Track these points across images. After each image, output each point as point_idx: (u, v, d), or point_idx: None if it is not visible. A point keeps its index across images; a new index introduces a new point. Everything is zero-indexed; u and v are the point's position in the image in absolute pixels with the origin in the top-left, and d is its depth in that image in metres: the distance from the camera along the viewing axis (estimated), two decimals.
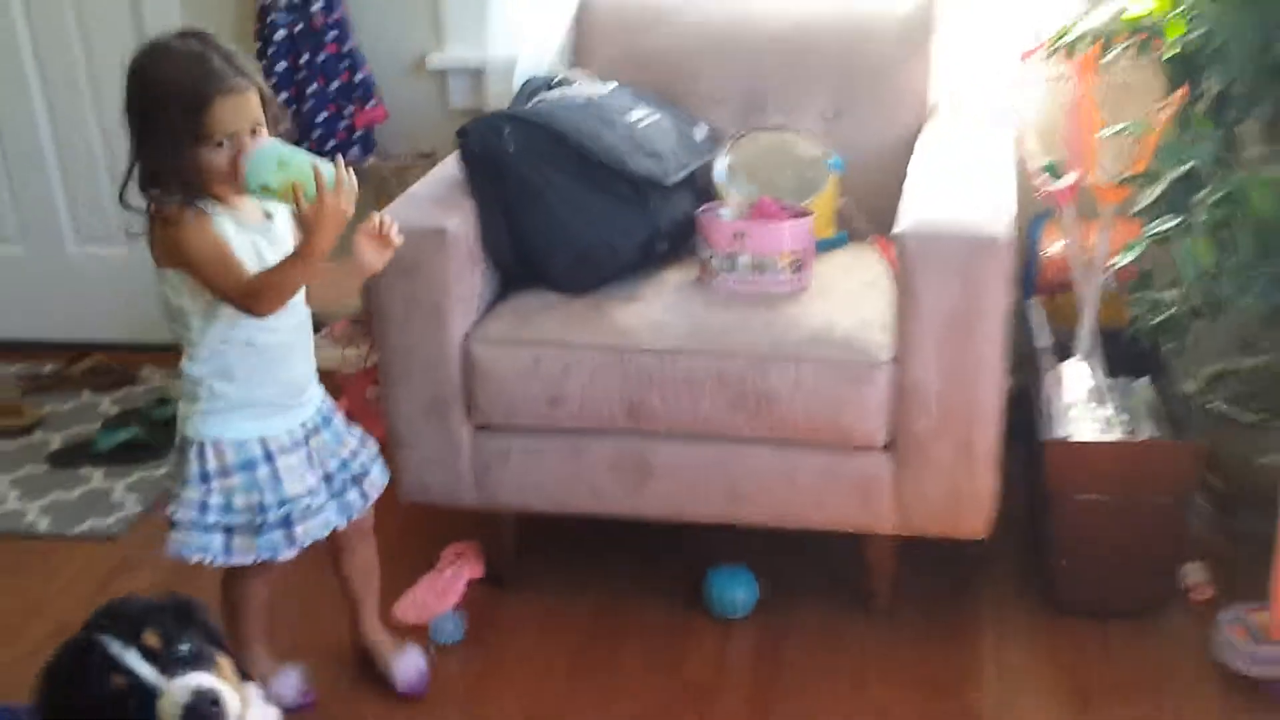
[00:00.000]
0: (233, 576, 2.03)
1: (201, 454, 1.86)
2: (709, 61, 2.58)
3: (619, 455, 2.19)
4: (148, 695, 1.34)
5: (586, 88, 2.39)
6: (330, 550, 2.07)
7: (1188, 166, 2.14)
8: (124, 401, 3.16)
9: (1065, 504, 2.17)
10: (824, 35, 2.56)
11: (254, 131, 1.77)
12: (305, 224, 1.78)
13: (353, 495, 2.00)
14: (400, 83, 3.04)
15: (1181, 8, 2.08)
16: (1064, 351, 2.43)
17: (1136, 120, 2.20)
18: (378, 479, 2.04)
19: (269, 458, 1.88)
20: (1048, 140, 2.51)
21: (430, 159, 2.83)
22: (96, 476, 2.85)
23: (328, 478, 1.96)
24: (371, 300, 2.26)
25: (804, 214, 2.24)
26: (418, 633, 2.28)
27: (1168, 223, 2.06)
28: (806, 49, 2.55)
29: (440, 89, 3.04)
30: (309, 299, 1.91)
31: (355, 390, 2.92)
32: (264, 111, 1.80)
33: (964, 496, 2.11)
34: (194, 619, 1.44)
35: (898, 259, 2.03)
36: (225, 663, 1.43)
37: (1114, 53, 2.22)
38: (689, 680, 2.14)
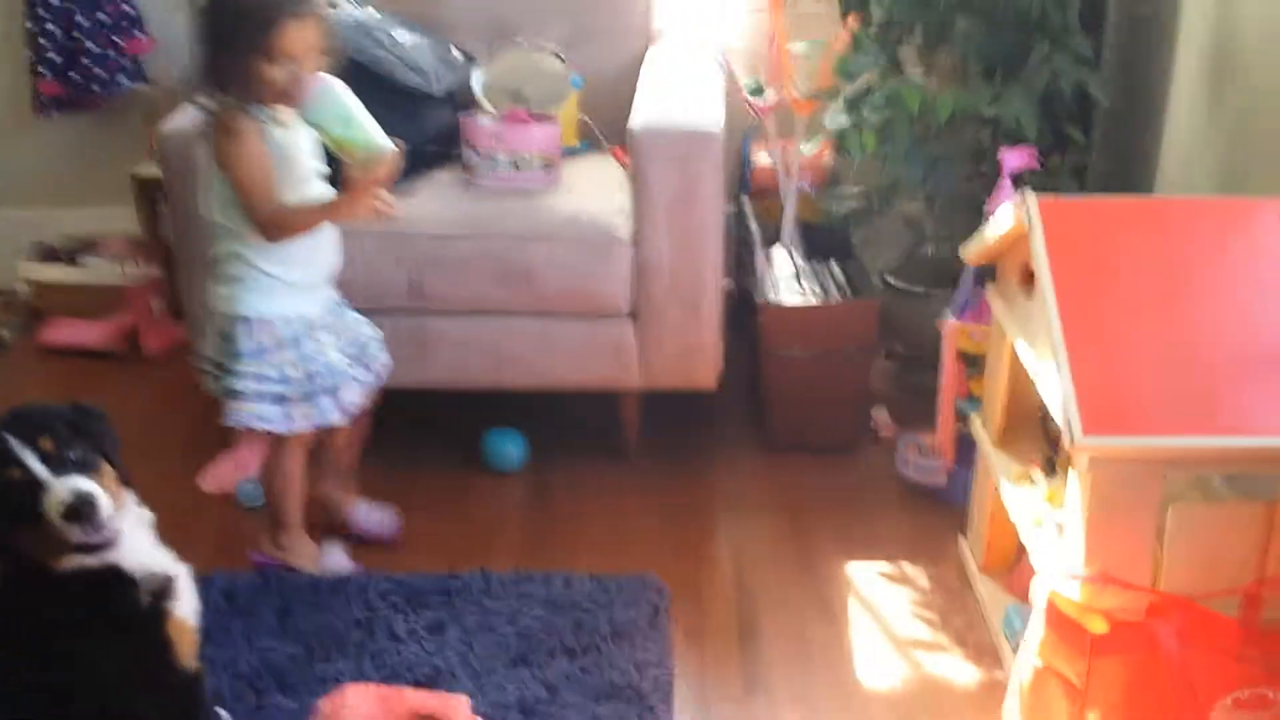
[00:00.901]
0: (274, 460, 2.22)
1: (250, 331, 2.07)
2: None
3: (401, 331, 2.51)
4: (37, 488, 1.55)
5: (352, 10, 2.68)
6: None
7: (861, 80, 2.63)
8: None
9: (774, 359, 2.63)
10: None
11: (315, 55, 1.99)
12: (344, 183, 2.00)
13: (367, 374, 2.22)
14: (167, 13, 3.22)
15: None
16: (774, 241, 2.90)
17: (815, 41, 2.67)
18: (385, 360, 2.28)
19: (312, 332, 2.11)
20: (752, 64, 2.97)
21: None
22: None
23: (349, 355, 2.19)
24: (164, 199, 2.49)
25: (550, 119, 2.61)
26: (224, 500, 2.54)
27: (839, 119, 2.53)
28: None
29: None
30: None
31: (140, 300, 3.12)
32: (325, 36, 2.01)
33: (694, 352, 2.54)
34: (90, 429, 1.63)
35: (630, 153, 2.43)
36: (108, 470, 1.63)
37: None
38: (472, 526, 2.49)
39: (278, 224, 2.02)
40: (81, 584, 1.63)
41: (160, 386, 3.00)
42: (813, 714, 2.01)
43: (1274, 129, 2.23)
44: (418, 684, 2.00)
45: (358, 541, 2.38)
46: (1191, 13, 2.61)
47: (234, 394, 2.09)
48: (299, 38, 1.97)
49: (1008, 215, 1.95)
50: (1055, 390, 1.72)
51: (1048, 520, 1.93)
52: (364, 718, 1.90)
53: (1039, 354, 1.87)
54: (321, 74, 2.01)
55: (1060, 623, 1.69)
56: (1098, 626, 1.66)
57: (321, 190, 2.13)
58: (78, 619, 1.62)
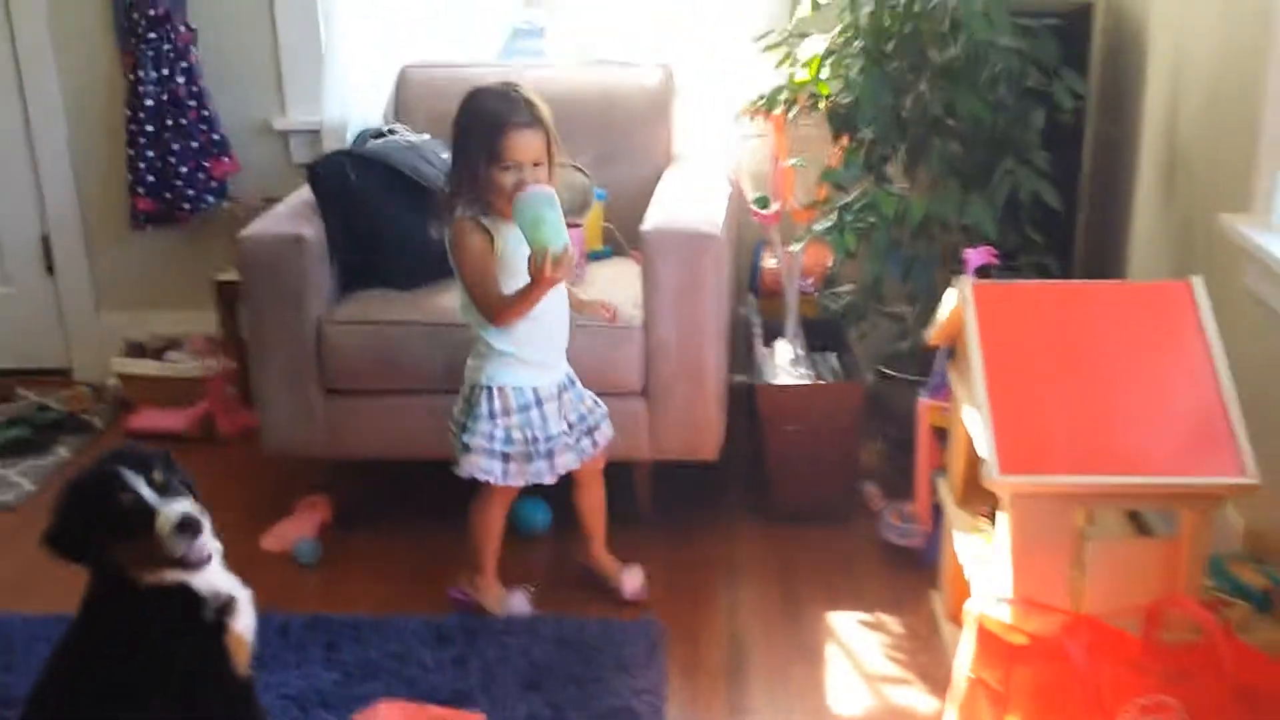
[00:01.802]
0: (481, 508, 2.55)
1: (490, 397, 2.43)
2: None
3: (437, 410, 2.85)
4: (148, 511, 1.86)
5: (408, 136, 3.11)
6: (572, 487, 2.65)
7: (856, 194, 2.98)
8: (6, 411, 3.65)
9: (772, 433, 2.95)
10: (590, 99, 3.33)
11: (536, 164, 2.32)
12: (530, 273, 2.29)
13: (585, 443, 2.54)
14: (250, 140, 3.69)
15: (825, 74, 2.93)
16: (778, 335, 3.24)
17: (804, 156, 3.05)
18: (606, 432, 2.59)
19: (538, 403, 2.44)
20: (758, 181, 3.34)
21: (275, 202, 3.43)
22: None
23: (571, 426, 2.51)
24: (242, 295, 2.88)
25: (577, 225, 2.99)
26: (283, 558, 2.88)
27: (825, 223, 2.89)
28: (576, 110, 3.31)
29: (283, 146, 3.72)
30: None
31: (216, 389, 3.51)
32: (548, 153, 2.35)
33: (699, 426, 2.85)
34: (178, 467, 1.97)
35: (641, 250, 2.79)
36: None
37: (795, 111, 3.05)
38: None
39: (497, 311, 2.37)
40: (160, 598, 1.96)
41: (232, 464, 3.37)
42: None
43: (1208, 227, 2.56)
44: (442, 704, 2.30)
45: (622, 603, 2.68)
46: (1149, 133, 2.97)
47: (466, 449, 2.44)
48: (522, 146, 2.31)
49: (952, 298, 2.27)
50: (981, 438, 2.01)
51: (988, 559, 2.21)
52: None
53: (974, 411, 2.17)
54: (534, 182, 2.32)
55: (987, 639, 1.96)
56: (1017, 640, 1.93)
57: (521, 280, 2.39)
58: (156, 627, 1.95)
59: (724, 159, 3.34)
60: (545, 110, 2.38)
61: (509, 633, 2.53)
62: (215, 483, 3.22)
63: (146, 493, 1.86)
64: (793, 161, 3.08)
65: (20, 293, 3.92)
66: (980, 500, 2.41)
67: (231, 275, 3.51)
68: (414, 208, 2.93)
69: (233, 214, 3.60)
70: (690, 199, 2.99)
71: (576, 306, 2.58)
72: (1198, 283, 2.12)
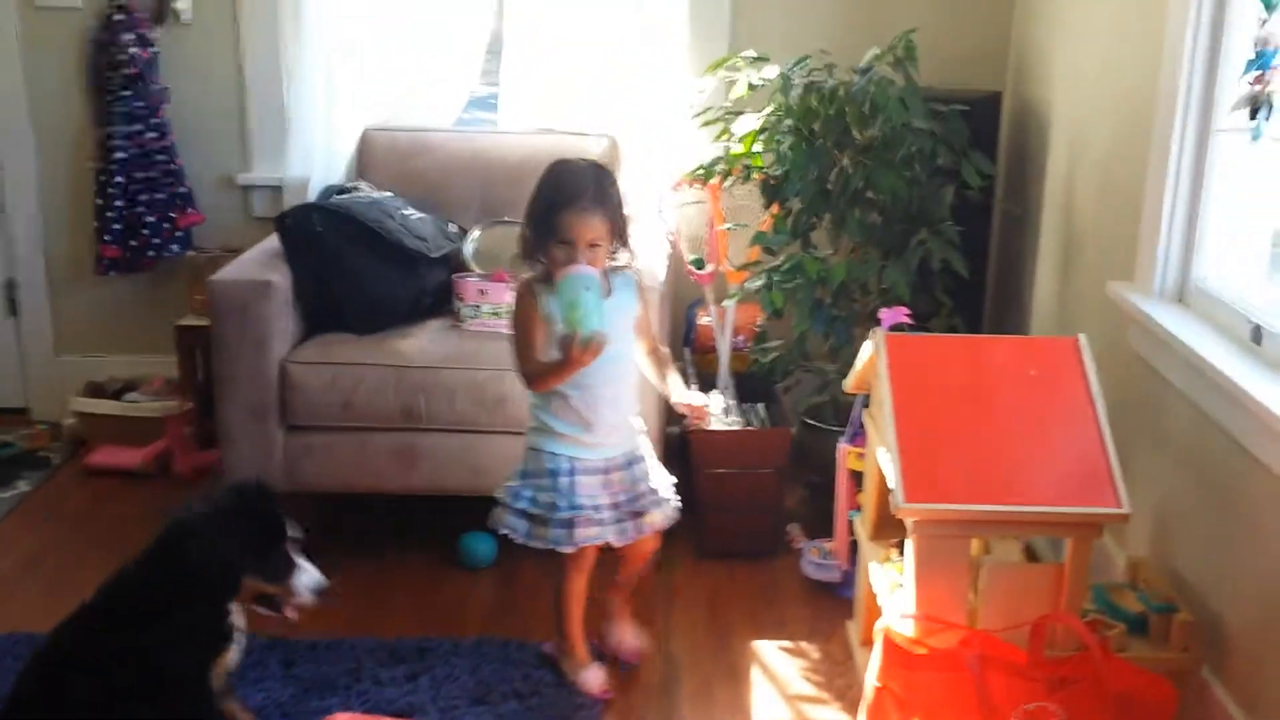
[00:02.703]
0: (559, 577, 2.59)
1: (528, 457, 2.53)
2: (457, 180, 3.57)
3: (394, 445, 3.06)
4: (292, 565, 2.21)
5: (370, 193, 3.33)
6: (617, 558, 2.69)
7: (784, 258, 3.24)
8: None
9: (702, 475, 3.18)
10: (540, 164, 3.53)
11: (592, 244, 2.39)
12: (561, 349, 2.36)
13: (629, 525, 2.54)
14: (213, 193, 3.89)
15: (759, 148, 3.21)
16: (712, 387, 3.48)
17: (737, 221, 3.32)
18: (655, 521, 2.58)
19: (571, 473, 2.48)
20: (694, 243, 3.60)
21: (236, 253, 3.59)
22: None
23: (615, 505, 2.53)
24: (211, 335, 3.06)
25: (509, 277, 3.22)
26: None
27: (756, 283, 3.15)
28: (527, 173, 3.45)
29: (245, 200, 3.92)
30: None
31: (175, 429, 3.67)
32: (610, 235, 2.43)
33: None
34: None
35: None
36: None
37: (730, 181, 3.33)
38: (446, 607, 2.98)
39: (529, 376, 2.47)
40: (222, 618, 2.27)
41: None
42: None
43: (1098, 294, 2.86)
44: (395, 715, 2.48)
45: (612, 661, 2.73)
46: (1049, 209, 3.28)
47: (498, 502, 2.54)
48: (577, 227, 2.39)
49: (867, 349, 2.53)
50: (890, 471, 2.26)
51: (898, 586, 2.44)
52: None
53: (884, 449, 2.42)
54: (580, 263, 2.38)
55: (892, 650, 2.19)
56: (919, 651, 2.17)
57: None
58: (206, 639, 2.23)
59: (664, 223, 3.59)
60: (617, 192, 2.48)
61: (457, 654, 2.71)
62: None
63: (298, 548, 2.25)
64: (727, 226, 3.35)
65: None
66: (891, 534, 2.65)
67: (191, 320, 3.69)
68: (376, 258, 3.16)
69: (194, 263, 3.78)
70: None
71: (668, 396, 2.65)
72: (1082, 339, 2.40)
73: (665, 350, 2.71)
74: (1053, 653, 2.19)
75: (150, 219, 3.78)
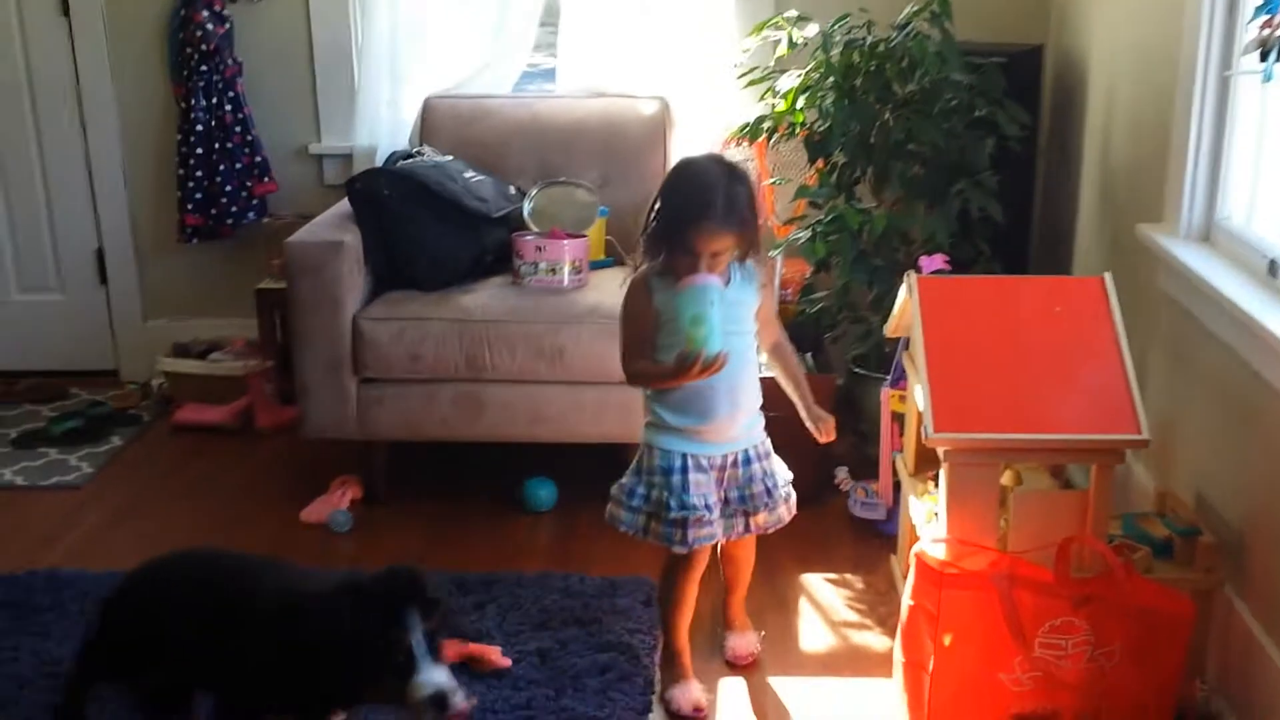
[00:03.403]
0: (663, 575, 2.52)
1: (642, 452, 2.45)
2: (515, 143, 3.74)
3: (459, 395, 3.25)
4: (410, 666, 1.83)
5: (434, 157, 3.51)
6: (722, 549, 2.61)
7: (828, 210, 3.37)
8: (61, 407, 4.03)
9: None
10: (594, 127, 3.74)
11: (715, 254, 2.30)
12: (678, 363, 2.28)
13: (739, 522, 2.49)
14: (287, 163, 4.10)
15: (802, 105, 3.34)
16: None
17: (783, 176, 3.45)
18: (763, 523, 2.52)
19: (684, 470, 2.40)
20: None
21: (309, 219, 3.80)
22: (53, 453, 3.73)
23: (726, 501, 2.47)
24: (288, 295, 3.27)
25: (580, 237, 3.39)
26: (320, 528, 3.25)
27: (801, 235, 3.28)
28: (582, 137, 3.73)
29: (318, 169, 4.12)
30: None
31: (256, 386, 3.90)
32: (738, 245, 2.33)
33: None
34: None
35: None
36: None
37: (775, 138, 3.46)
38: (508, 550, 3.16)
39: (633, 375, 2.44)
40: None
41: (271, 453, 3.75)
42: (761, 667, 2.65)
43: (1130, 238, 2.96)
44: (464, 639, 2.66)
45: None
46: (1088, 158, 3.38)
47: (611, 496, 2.49)
48: (704, 241, 2.30)
49: (903, 292, 2.66)
50: (923, 403, 2.39)
51: (934, 515, 2.58)
52: None
53: (919, 385, 2.55)
54: (706, 274, 2.30)
55: (925, 572, 2.33)
56: (949, 571, 2.30)
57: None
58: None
59: None
60: (747, 192, 2.36)
61: (521, 586, 2.90)
62: (257, 468, 3.64)
63: (418, 647, 1.89)
64: (773, 181, 3.48)
65: (73, 301, 4.31)
66: (930, 469, 2.79)
67: (269, 284, 3.91)
68: (440, 218, 3.34)
69: (271, 229, 3.99)
70: None
71: (805, 408, 2.62)
72: (1108, 278, 2.51)
73: (790, 347, 2.67)
74: (1079, 573, 2.32)
75: (228, 188, 4.00)
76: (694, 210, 2.31)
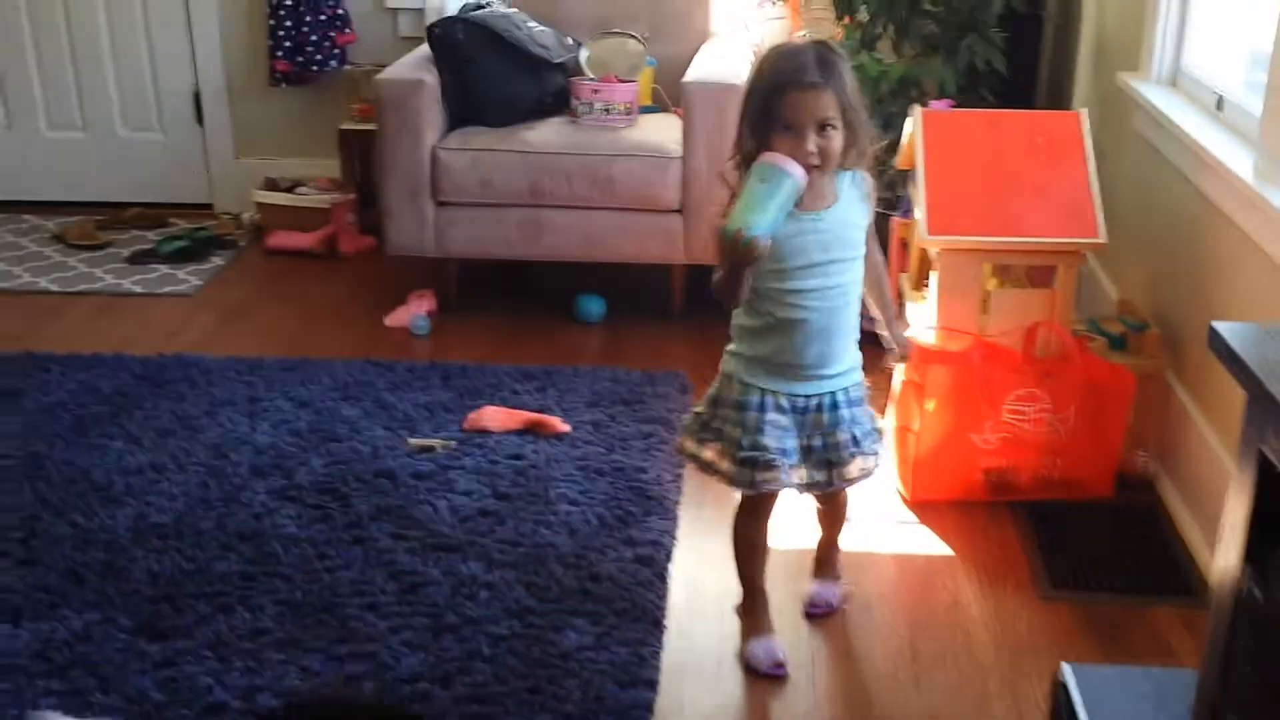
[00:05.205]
0: (740, 519, 2.28)
1: (720, 382, 2.21)
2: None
3: (522, 218, 3.73)
4: None
5: (501, 8, 3.94)
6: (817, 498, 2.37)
7: (853, 63, 3.78)
8: (167, 231, 4.55)
9: None
10: None
11: (823, 125, 2.00)
12: (717, 239, 2.00)
13: (820, 474, 2.20)
14: (366, 16, 4.54)
15: None
16: None
17: (813, 32, 3.87)
18: (849, 474, 2.21)
19: (762, 408, 2.14)
20: None
21: (383, 68, 4.23)
22: (163, 269, 4.25)
23: (808, 449, 2.18)
24: (376, 127, 3.74)
25: (632, 82, 3.83)
26: (402, 331, 3.76)
27: None
28: None
29: (392, 21, 4.56)
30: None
31: (340, 215, 4.39)
32: (841, 115, 2.01)
33: None
34: None
35: (681, 98, 3.62)
36: None
37: None
38: (564, 350, 3.67)
39: (714, 285, 2.10)
40: None
41: (352, 276, 4.26)
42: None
43: (1114, 88, 3.38)
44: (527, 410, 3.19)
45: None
46: (1086, 17, 3.77)
47: (683, 425, 2.29)
48: (801, 108, 2.00)
49: (909, 125, 3.10)
50: (918, 213, 2.85)
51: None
52: (495, 418, 3.10)
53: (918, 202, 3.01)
54: (816, 149, 2.01)
55: (916, 351, 2.81)
56: (934, 349, 2.79)
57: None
58: None
59: (749, 36, 4.15)
60: (848, 73, 2.08)
61: (576, 375, 3.41)
62: (344, 286, 4.16)
63: None
64: (801, 35, 3.89)
65: (172, 139, 4.80)
66: (927, 280, 3.26)
67: (350, 125, 4.38)
68: (507, 62, 3.78)
69: (352, 76, 4.45)
70: (719, 61, 3.82)
71: (887, 325, 2.37)
72: (1084, 113, 2.94)
73: (880, 257, 2.33)
74: (1043, 354, 2.80)
75: (314, 37, 4.44)
76: (784, 75, 2.03)
